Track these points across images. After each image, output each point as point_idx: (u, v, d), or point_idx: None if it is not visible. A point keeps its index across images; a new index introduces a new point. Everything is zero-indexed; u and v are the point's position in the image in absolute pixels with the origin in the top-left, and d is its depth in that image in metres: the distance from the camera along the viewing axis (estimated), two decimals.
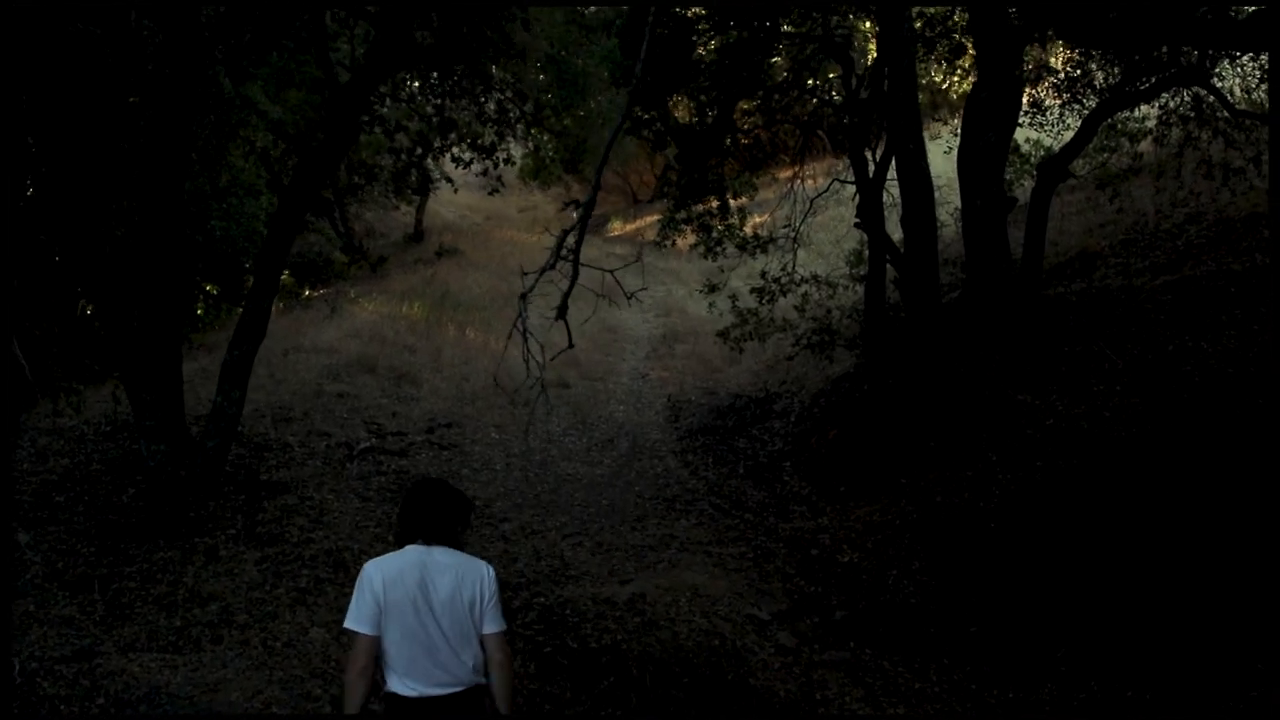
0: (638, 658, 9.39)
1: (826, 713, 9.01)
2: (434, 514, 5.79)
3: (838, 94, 18.14)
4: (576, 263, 9.85)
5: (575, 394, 18.79)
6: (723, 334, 18.03)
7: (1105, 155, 18.98)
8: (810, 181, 18.81)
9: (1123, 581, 9.71)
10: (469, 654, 5.61)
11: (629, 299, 11.54)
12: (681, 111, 20.08)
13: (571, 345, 10.35)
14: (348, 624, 5.65)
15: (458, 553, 5.77)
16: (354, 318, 22.26)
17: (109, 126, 12.60)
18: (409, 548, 5.75)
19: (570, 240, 9.67)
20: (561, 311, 9.90)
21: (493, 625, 5.68)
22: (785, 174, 22.98)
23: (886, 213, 16.36)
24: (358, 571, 10.10)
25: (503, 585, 11.17)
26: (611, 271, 10.12)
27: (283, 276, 24.53)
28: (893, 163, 15.57)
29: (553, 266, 9.31)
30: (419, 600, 5.56)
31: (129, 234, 13.51)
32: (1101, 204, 18.66)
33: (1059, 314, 14.33)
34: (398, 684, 5.58)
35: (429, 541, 5.73)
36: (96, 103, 12.24)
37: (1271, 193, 11.28)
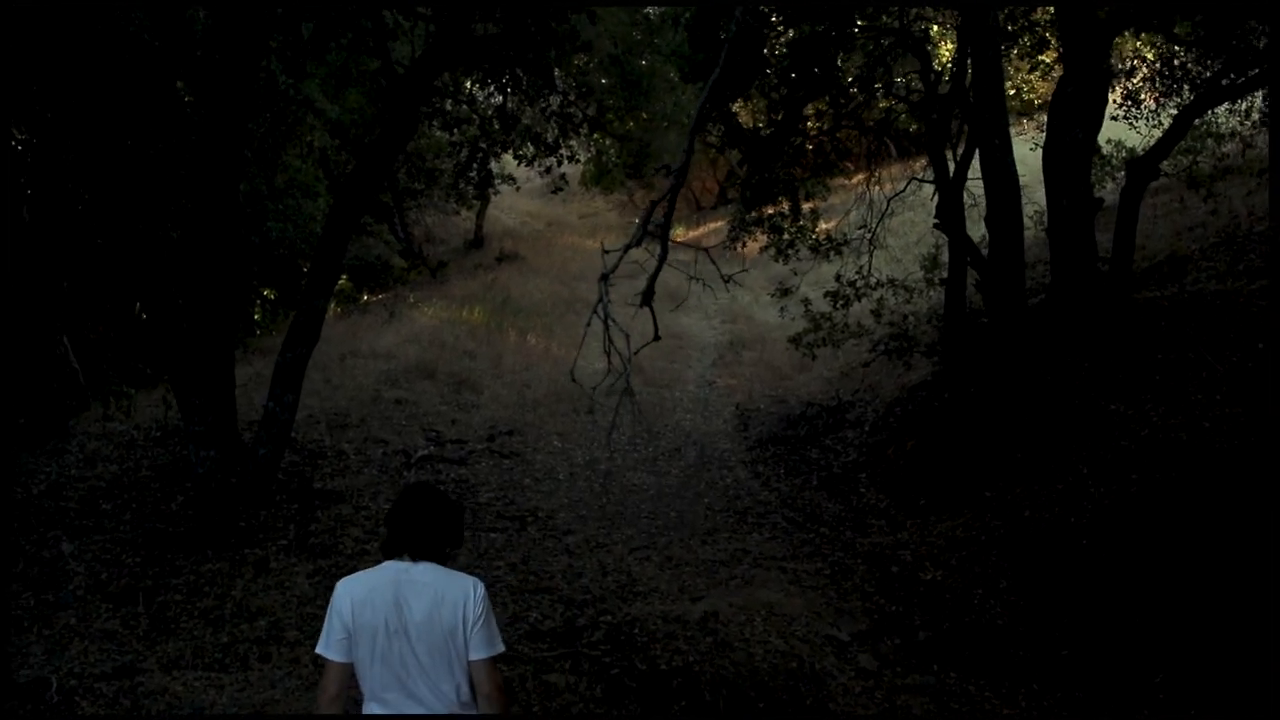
0: (710, 680, 8.83)
1: None
2: (417, 526, 5.08)
3: (914, 92, 17.46)
4: (665, 239, 9.10)
5: (641, 402, 18.19)
6: (795, 340, 17.43)
7: (1191, 157, 18.30)
8: (881, 187, 18.21)
9: (1227, 604, 9.06)
10: (450, 684, 4.95)
11: (727, 281, 10.84)
12: (745, 116, 19.60)
13: (658, 337, 9.71)
14: (317, 649, 5.09)
15: (441, 569, 5.04)
16: (413, 323, 21.92)
17: (161, 122, 12.28)
18: (387, 564, 5.07)
19: (659, 214, 8.86)
20: (647, 297, 9.19)
21: (480, 651, 4.94)
22: (856, 180, 22.45)
23: (966, 213, 15.70)
24: None
25: (567, 601, 10.86)
26: (706, 250, 9.42)
27: (340, 280, 24.38)
28: (973, 162, 15.11)
29: (639, 243, 8.55)
30: (392, 623, 4.91)
31: (184, 235, 13.10)
32: (1191, 206, 17.93)
33: (1150, 319, 13.64)
34: (373, 709, 5.03)
35: (415, 557, 5.03)
36: (147, 97, 11.91)
37: (1272, 194, 11.17)
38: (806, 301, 17.38)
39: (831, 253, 17.29)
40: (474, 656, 4.92)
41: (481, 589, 5.01)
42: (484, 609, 4.96)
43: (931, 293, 18.11)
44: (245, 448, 12.76)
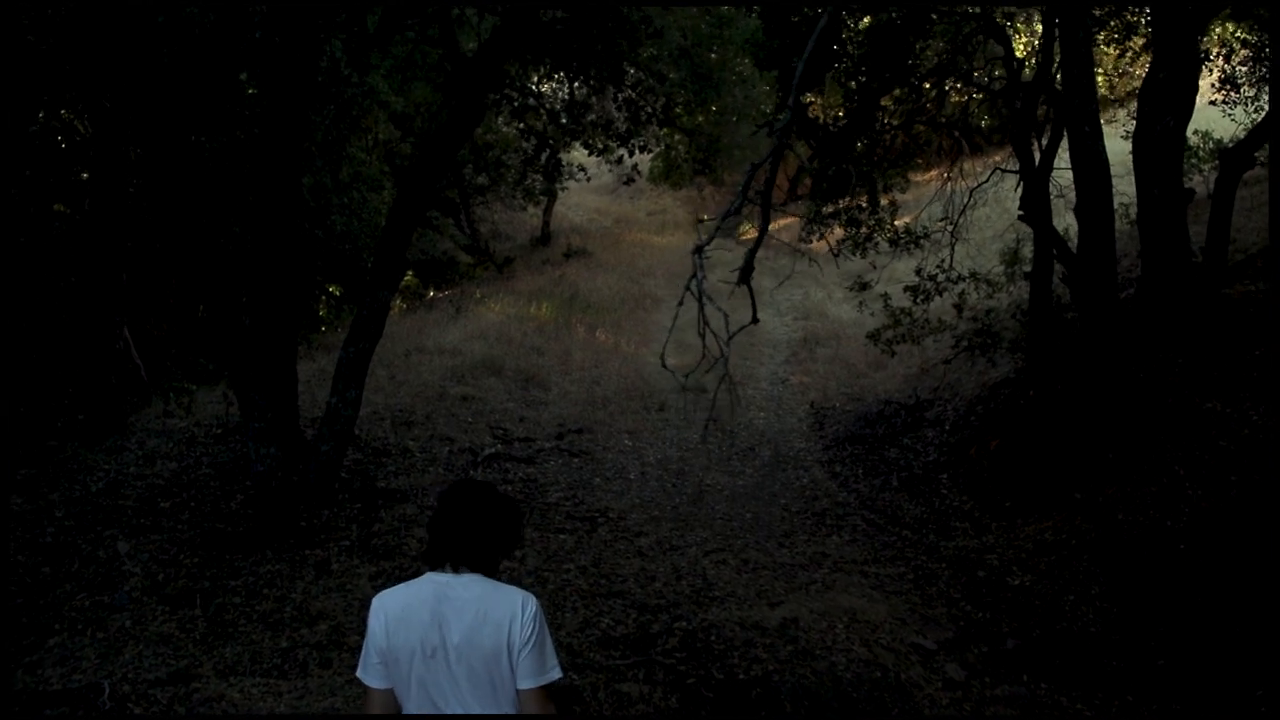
0: (791, 691, 8.38)
1: None
2: (460, 530, 4.37)
3: (997, 79, 16.94)
4: (767, 206, 8.54)
5: (711, 399, 17.82)
6: (873, 336, 16.93)
7: None
8: (961, 180, 17.73)
9: None
10: (494, 714, 4.30)
11: (837, 253, 10.27)
12: (816, 109, 19.19)
13: (756, 320, 9.19)
14: (356, 672, 4.55)
15: (488, 582, 4.35)
16: (479, 319, 21.60)
17: (224, 114, 12.07)
18: (427, 575, 4.41)
19: (759, 180, 8.21)
20: (745, 274, 8.62)
21: (529, 678, 4.27)
22: (931, 176, 22.00)
23: (1052, 205, 15.17)
24: None
25: (640, 606, 10.33)
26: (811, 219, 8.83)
27: (406, 277, 24.19)
28: (1058, 152, 14.65)
29: (737, 211, 7.97)
30: (429, 644, 4.28)
31: (246, 228, 12.84)
32: None
33: (1246, 314, 13.10)
34: None
35: (458, 567, 4.34)
36: (210, 88, 11.69)
37: (1272, 194, 10.89)
38: (886, 296, 16.91)
39: (911, 246, 16.76)
40: (522, 685, 4.29)
41: (533, 606, 4.30)
42: (535, 629, 4.27)
43: (1013, 287, 17.59)
44: (307, 445, 12.44)
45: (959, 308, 16.53)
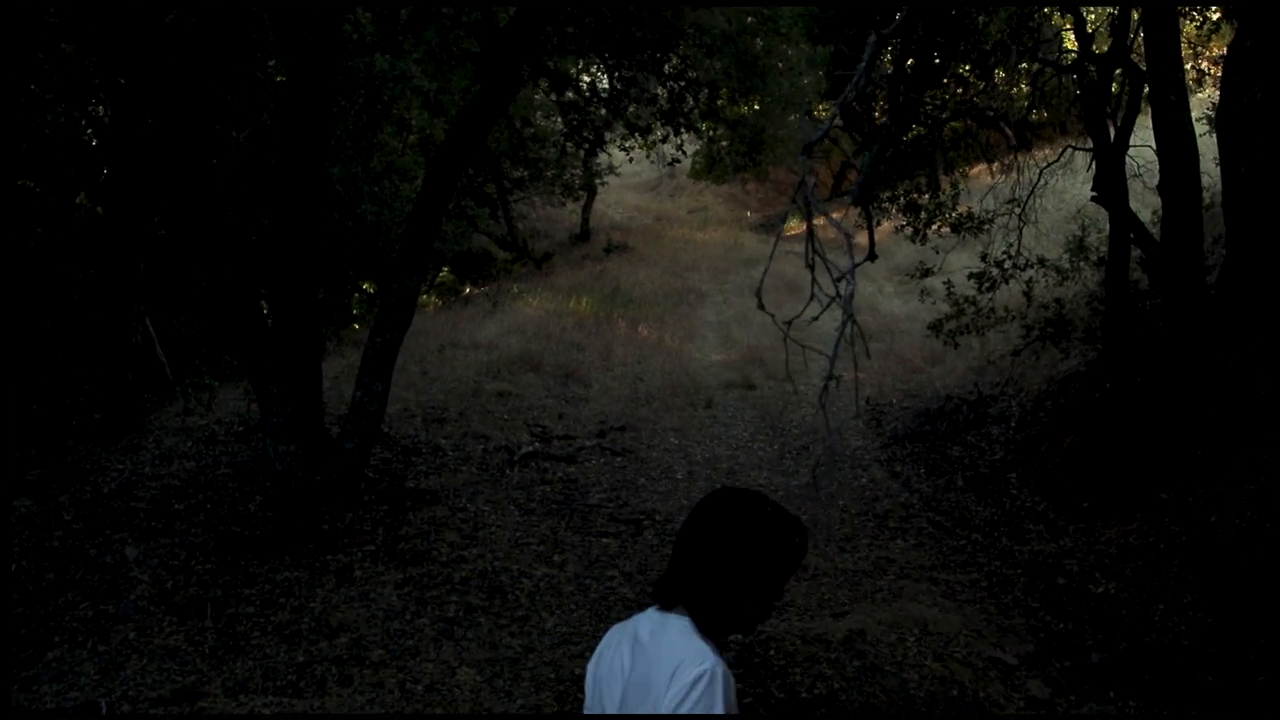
0: (859, 711, 7.66)
1: None
2: (684, 553, 3.25)
3: (1067, 54, 16.06)
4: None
5: (761, 396, 17.20)
6: (935, 326, 15.98)
7: None
8: (1027, 163, 16.94)
9: None
10: None
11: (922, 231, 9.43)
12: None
13: (874, 255, 8.27)
14: None
15: (674, 629, 3.15)
16: (516, 314, 21.00)
17: (248, 102, 11.54)
18: (645, 613, 3.33)
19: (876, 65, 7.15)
20: (863, 195, 7.59)
21: None
22: (987, 169, 21.26)
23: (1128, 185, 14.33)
24: (515, 598, 8.18)
25: None
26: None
27: (442, 273, 23.71)
28: (1134, 129, 13.85)
29: (860, 88, 6.70)
30: (597, 700, 3.34)
31: (266, 211, 12.24)
32: None
33: None
34: None
35: (669, 603, 3.24)
36: (233, 76, 11.15)
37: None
38: (949, 284, 16.02)
39: (975, 231, 15.89)
40: None
41: (692, 673, 2.98)
42: (681, 703, 2.96)
43: (1082, 275, 16.70)
44: (331, 443, 11.66)
45: (1028, 295, 15.58)
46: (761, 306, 4.70)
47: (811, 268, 5.09)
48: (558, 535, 11.28)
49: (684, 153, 18.82)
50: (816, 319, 3.62)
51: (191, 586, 9.91)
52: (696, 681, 2.95)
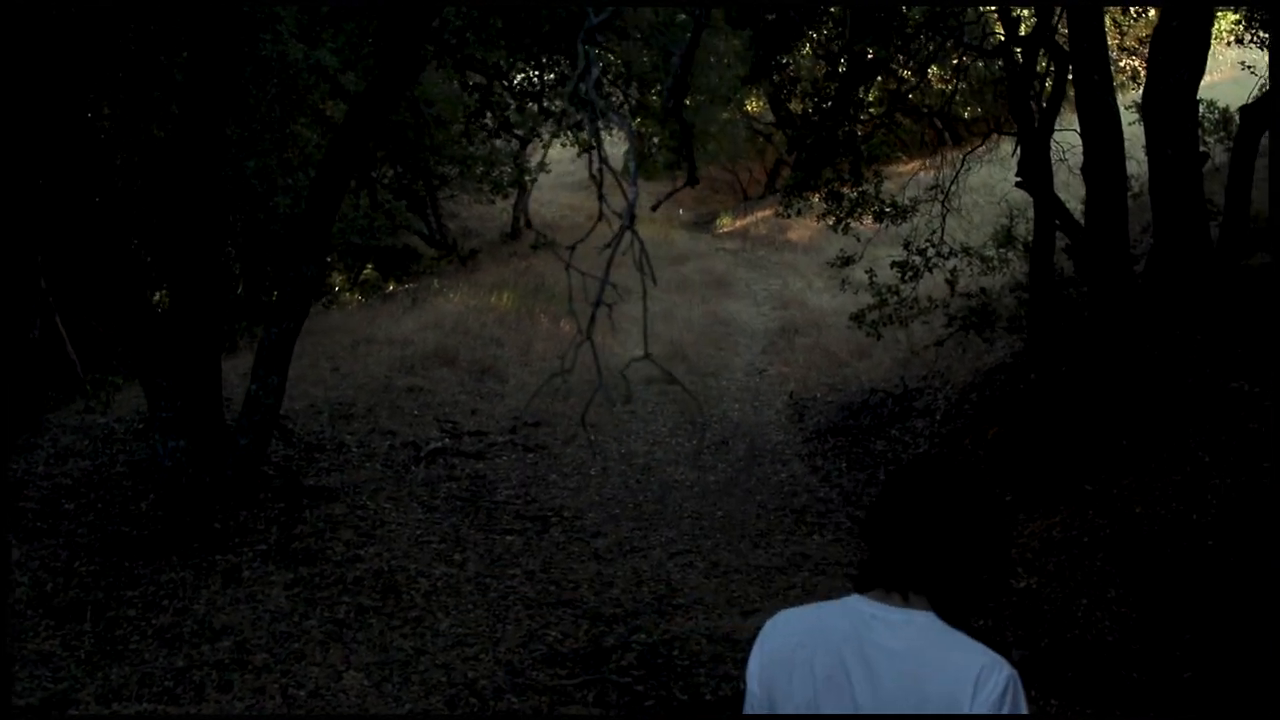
0: None
1: None
2: (920, 533, 2.65)
3: (991, 36, 15.88)
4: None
5: (683, 391, 16.82)
6: (857, 317, 15.71)
7: None
8: (950, 152, 16.75)
9: None
10: None
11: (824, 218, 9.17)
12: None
13: (694, 181, 7.92)
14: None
15: (938, 627, 2.61)
16: (436, 309, 20.60)
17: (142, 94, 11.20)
18: (849, 599, 2.74)
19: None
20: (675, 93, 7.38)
21: None
22: (914, 165, 21.13)
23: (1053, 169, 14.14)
24: (410, 598, 7.71)
25: (593, 616, 8.83)
26: None
27: (366, 269, 23.33)
28: (1060, 112, 13.82)
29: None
30: (824, 710, 2.62)
31: (158, 199, 11.86)
32: None
33: (1270, 287, 11.94)
34: None
35: (896, 590, 2.67)
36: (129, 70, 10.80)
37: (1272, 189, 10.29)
38: (870, 273, 15.76)
39: (898, 219, 15.68)
40: None
41: (1003, 678, 2.50)
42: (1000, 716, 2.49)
43: (1013, 264, 16.51)
44: (225, 439, 11.19)
45: (951, 284, 15.34)
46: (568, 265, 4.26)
47: (599, 183, 4.71)
48: (460, 533, 10.91)
49: (607, 165, 18.51)
50: (608, 246, 3.26)
51: (72, 589, 9.52)
52: (1005, 692, 2.50)
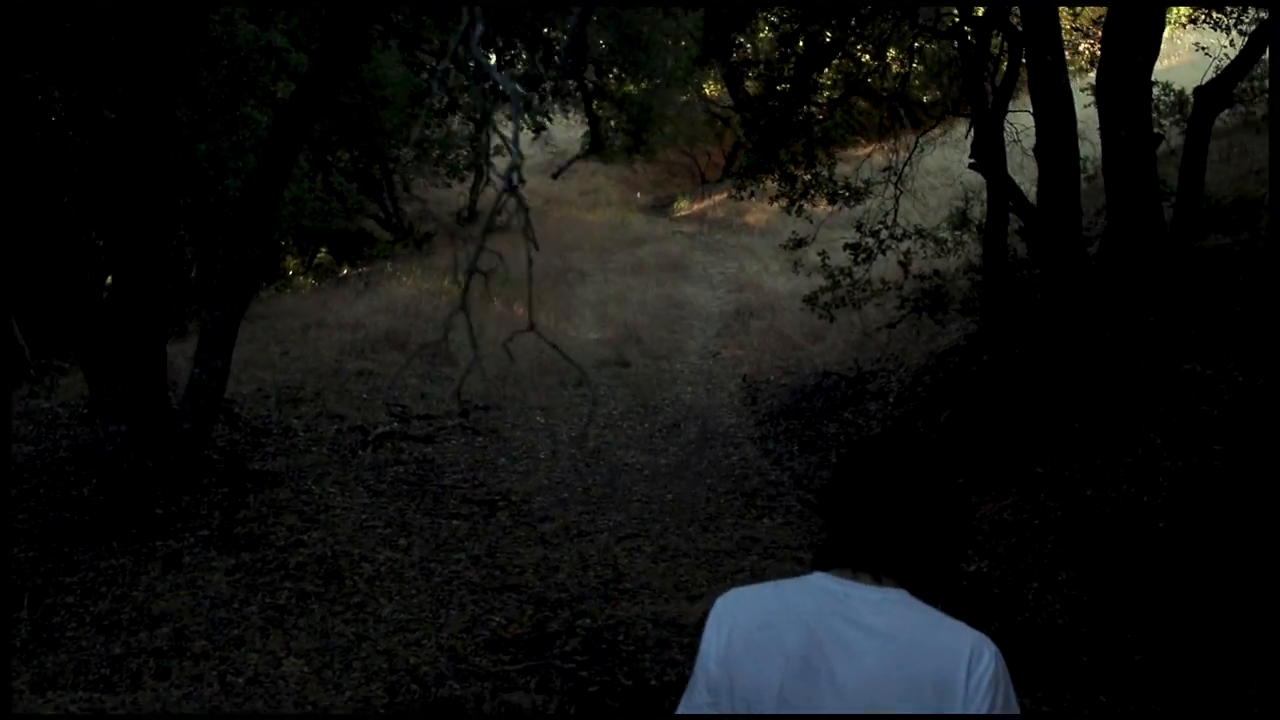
0: None
1: None
2: (888, 512, 2.57)
3: (944, 18, 15.78)
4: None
5: (636, 374, 16.78)
6: (810, 300, 15.60)
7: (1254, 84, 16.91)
8: (904, 136, 16.71)
9: None
10: None
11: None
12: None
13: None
14: (680, 708, 2.73)
15: (917, 607, 2.53)
16: (389, 293, 20.45)
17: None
18: (812, 577, 2.62)
19: None
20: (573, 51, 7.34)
21: None
22: (870, 149, 21.07)
23: (1007, 151, 14.07)
24: (353, 583, 7.56)
25: (538, 601, 8.75)
26: None
27: (320, 254, 23.15)
28: (1014, 93, 13.83)
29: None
30: (797, 694, 2.46)
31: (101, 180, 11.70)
32: (1252, 150, 16.25)
33: (1223, 268, 11.94)
34: None
35: (866, 569, 2.57)
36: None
37: (1271, 173, 10.15)
38: (823, 255, 15.62)
39: (852, 201, 15.58)
40: None
41: (991, 657, 2.46)
42: (995, 700, 2.41)
43: (968, 246, 16.45)
44: (169, 423, 11.03)
45: (905, 265, 15.25)
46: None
47: (485, 154, 4.59)
48: (406, 517, 10.78)
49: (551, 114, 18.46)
50: (497, 214, 3.12)
51: (10, 575, 9.29)
52: (998, 671, 2.45)
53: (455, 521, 10.88)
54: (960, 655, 2.42)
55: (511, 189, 2.94)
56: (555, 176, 11.02)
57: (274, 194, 11.45)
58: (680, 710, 2.67)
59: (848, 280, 15.13)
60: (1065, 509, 9.87)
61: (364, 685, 7.59)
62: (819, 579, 2.58)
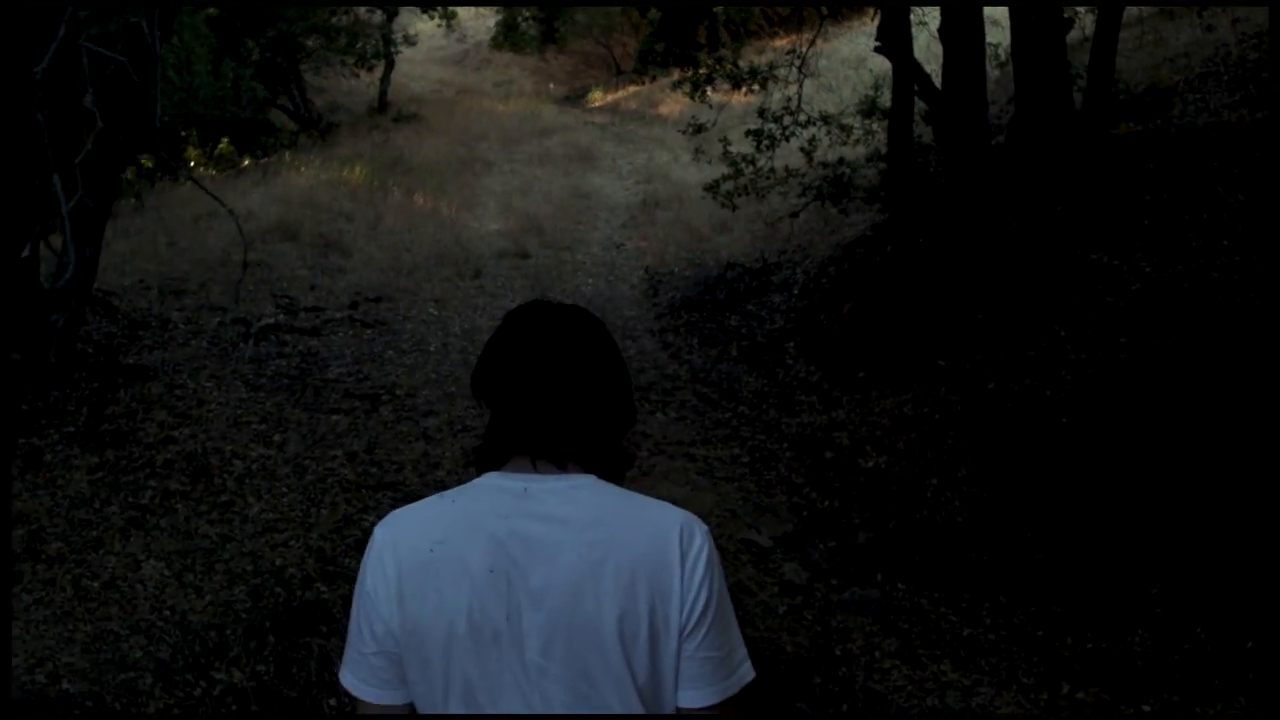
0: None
1: (848, 672, 6.85)
2: (558, 387, 2.23)
3: None
4: None
5: (535, 264, 16.53)
6: (711, 188, 15.30)
7: None
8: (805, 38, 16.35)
9: (1243, 493, 7.26)
10: None
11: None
12: None
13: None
14: (342, 678, 2.29)
15: (609, 490, 2.22)
16: (285, 183, 20.03)
17: None
18: (483, 480, 2.26)
19: None
20: None
21: (707, 688, 2.15)
22: (784, 41, 20.76)
23: (915, 34, 13.75)
24: (222, 482, 7.16)
25: (416, 499, 8.81)
26: None
27: (222, 144, 22.62)
28: None
29: None
30: (489, 617, 2.11)
31: None
32: (1168, 37, 16.04)
33: (1135, 156, 11.75)
34: None
35: (536, 456, 2.22)
36: None
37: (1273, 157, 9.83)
38: (725, 141, 15.23)
39: (755, 85, 15.18)
40: (692, 703, 2.15)
41: (702, 538, 2.18)
42: (710, 585, 2.15)
43: (877, 135, 16.14)
44: (39, 317, 10.55)
45: (808, 153, 14.91)
46: None
47: None
48: (283, 413, 10.39)
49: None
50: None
51: None
52: (711, 549, 2.20)
53: (335, 416, 10.52)
54: (670, 535, 2.14)
55: None
56: None
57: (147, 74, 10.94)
58: (346, 676, 2.28)
59: (750, 169, 14.81)
60: (966, 403, 9.79)
61: (226, 589, 7.24)
62: (491, 478, 2.24)
